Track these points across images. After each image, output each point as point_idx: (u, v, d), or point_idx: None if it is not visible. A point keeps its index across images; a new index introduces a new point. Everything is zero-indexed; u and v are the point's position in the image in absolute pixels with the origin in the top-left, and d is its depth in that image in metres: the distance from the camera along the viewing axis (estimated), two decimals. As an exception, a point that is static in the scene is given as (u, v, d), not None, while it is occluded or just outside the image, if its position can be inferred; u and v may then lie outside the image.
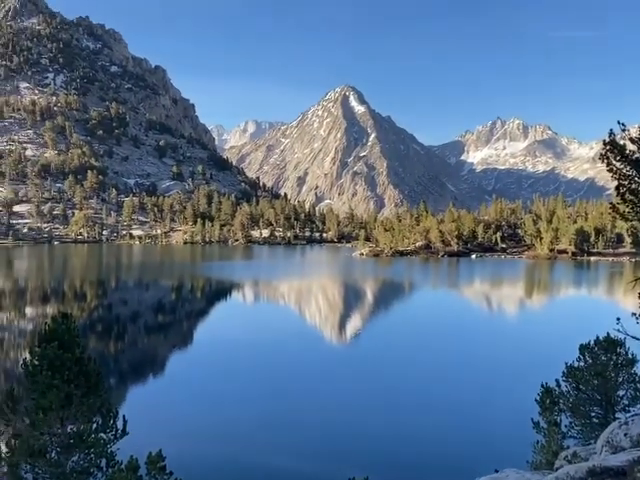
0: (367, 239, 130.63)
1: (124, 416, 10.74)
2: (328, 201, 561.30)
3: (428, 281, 75.14)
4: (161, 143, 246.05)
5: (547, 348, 31.69)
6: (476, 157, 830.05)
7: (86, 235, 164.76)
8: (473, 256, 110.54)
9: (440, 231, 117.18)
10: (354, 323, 44.57)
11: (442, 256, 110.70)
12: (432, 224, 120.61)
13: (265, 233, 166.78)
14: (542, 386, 12.80)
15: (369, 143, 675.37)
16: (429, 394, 24.16)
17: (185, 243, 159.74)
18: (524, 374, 26.21)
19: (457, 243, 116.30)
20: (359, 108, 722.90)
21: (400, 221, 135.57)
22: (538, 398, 12.72)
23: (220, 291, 61.27)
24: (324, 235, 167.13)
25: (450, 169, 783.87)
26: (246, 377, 26.82)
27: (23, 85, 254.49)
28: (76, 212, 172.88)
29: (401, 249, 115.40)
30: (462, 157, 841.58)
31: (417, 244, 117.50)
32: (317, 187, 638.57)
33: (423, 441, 19.39)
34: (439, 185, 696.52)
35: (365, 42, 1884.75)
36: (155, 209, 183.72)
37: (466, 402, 22.81)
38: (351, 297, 59.94)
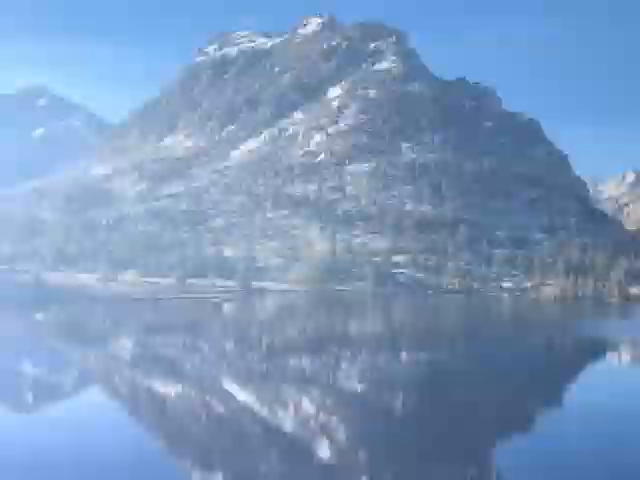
0: None
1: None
2: None
3: None
4: (533, 196, 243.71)
5: None
6: None
7: (457, 285, 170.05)
8: None
9: None
10: None
11: None
12: None
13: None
14: None
15: None
16: None
17: (555, 297, 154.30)
18: None
19: None
20: None
21: None
22: None
23: (593, 350, 57.58)
24: None
25: None
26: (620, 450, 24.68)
27: (404, 145, 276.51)
28: (449, 263, 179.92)
29: None
30: None
31: None
32: None
33: None
34: None
35: None
36: (525, 262, 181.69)
37: None
38: None
